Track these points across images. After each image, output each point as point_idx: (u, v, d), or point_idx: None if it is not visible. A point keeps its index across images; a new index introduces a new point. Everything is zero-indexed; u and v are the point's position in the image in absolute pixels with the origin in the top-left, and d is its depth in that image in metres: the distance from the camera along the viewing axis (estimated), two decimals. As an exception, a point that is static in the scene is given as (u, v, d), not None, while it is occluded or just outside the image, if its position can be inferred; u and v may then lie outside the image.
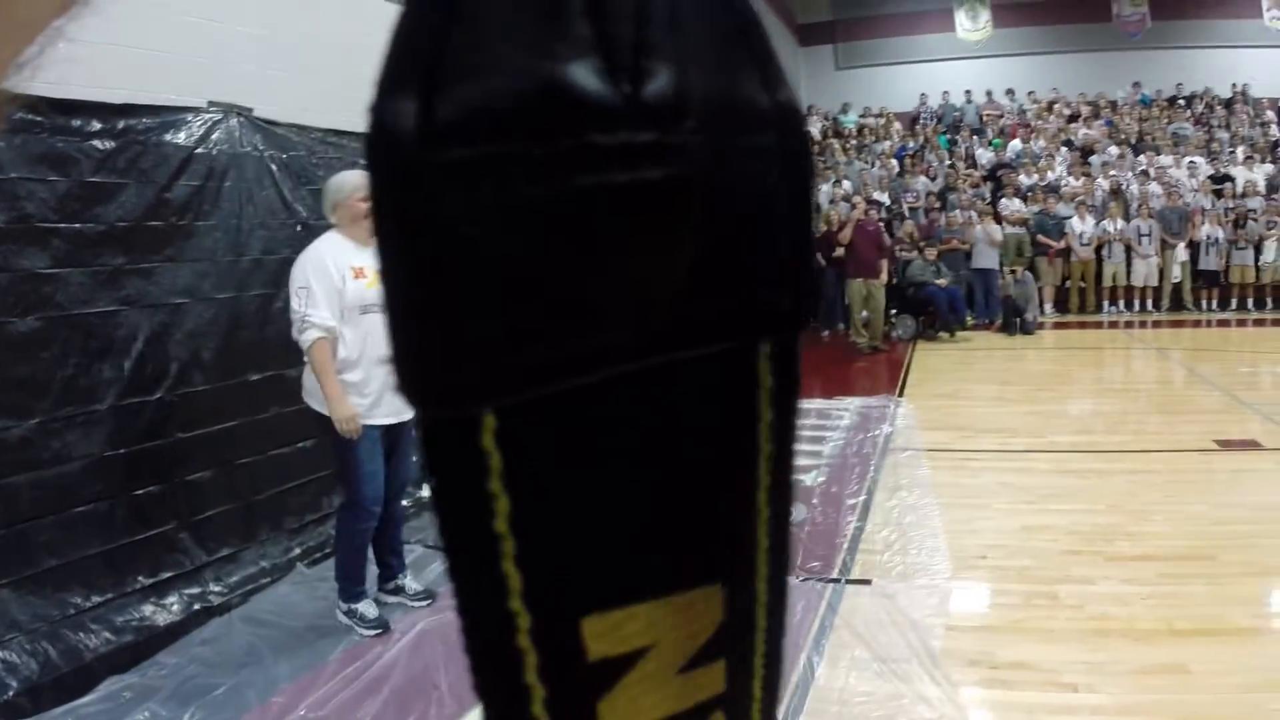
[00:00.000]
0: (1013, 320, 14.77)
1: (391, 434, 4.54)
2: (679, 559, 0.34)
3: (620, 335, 0.29)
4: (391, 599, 4.83)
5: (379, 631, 4.53)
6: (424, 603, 4.82)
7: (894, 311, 14.85)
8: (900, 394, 10.07)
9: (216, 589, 4.87)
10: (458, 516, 0.31)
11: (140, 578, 4.60)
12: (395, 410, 4.39)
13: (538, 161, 0.27)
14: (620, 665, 0.34)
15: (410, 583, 4.90)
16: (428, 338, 0.28)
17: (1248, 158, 18.41)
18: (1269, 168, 18.09)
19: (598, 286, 0.29)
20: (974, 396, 10.15)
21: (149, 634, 4.47)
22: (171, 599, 4.68)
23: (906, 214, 17.76)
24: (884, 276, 13.81)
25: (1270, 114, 20.58)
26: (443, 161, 0.26)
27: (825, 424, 8.56)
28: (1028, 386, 10.87)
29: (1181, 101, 21.80)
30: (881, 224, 14.81)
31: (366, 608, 4.61)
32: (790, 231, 0.32)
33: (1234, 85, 21.66)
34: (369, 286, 4.27)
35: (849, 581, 4.93)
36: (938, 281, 14.42)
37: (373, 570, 4.83)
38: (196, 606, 4.75)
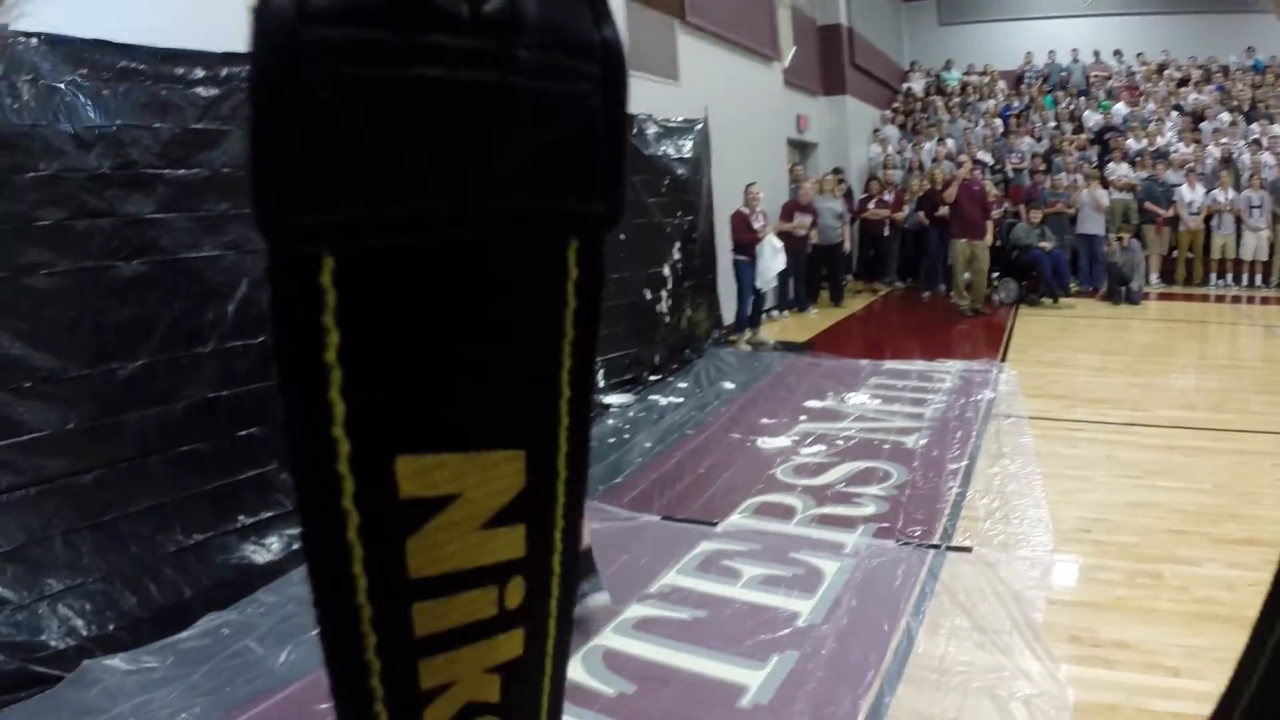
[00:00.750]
0: (1117, 289, 14.51)
1: None
2: (486, 419, 0.38)
3: (439, 208, 0.34)
4: None
5: None
6: None
7: (996, 275, 14.63)
8: (1003, 359, 9.97)
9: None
10: (293, 347, 0.35)
11: (241, 517, 4.73)
12: None
13: (391, 50, 0.32)
14: (428, 507, 0.38)
15: None
16: (282, 181, 0.32)
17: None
18: None
19: (426, 162, 0.34)
20: (1077, 365, 10.00)
21: (248, 572, 4.61)
22: (271, 538, 4.82)
23: (1011, 175, 17.50)
24: (989, 238, 13.57)
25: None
26: (313, 38, 0.31)
27: (927, 386, 8.53)
28: (1131, 357, 10.68)
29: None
30: (986, 183, 14.55)
31: None
32: (607, 147, 0.37)
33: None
34: None
35: (950, 548, 4.93)
36: (1042, 245, 14.19)
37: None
38: (296, 546, 4.86)
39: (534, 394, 0.40)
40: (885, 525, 5.25)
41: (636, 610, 4.34)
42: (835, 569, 4.71)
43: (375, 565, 0.38)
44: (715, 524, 5.36)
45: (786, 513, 5.50)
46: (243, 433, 4.76)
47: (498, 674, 0.45)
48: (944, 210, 13.98)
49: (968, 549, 4.91)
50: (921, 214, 15.42)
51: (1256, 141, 17.61)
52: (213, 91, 4.61)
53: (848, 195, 15.81)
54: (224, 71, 4.66)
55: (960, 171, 13.79)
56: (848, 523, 5.31)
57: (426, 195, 0.34)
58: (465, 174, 0.34)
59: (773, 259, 11.01)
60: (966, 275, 13.46)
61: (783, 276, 11.72)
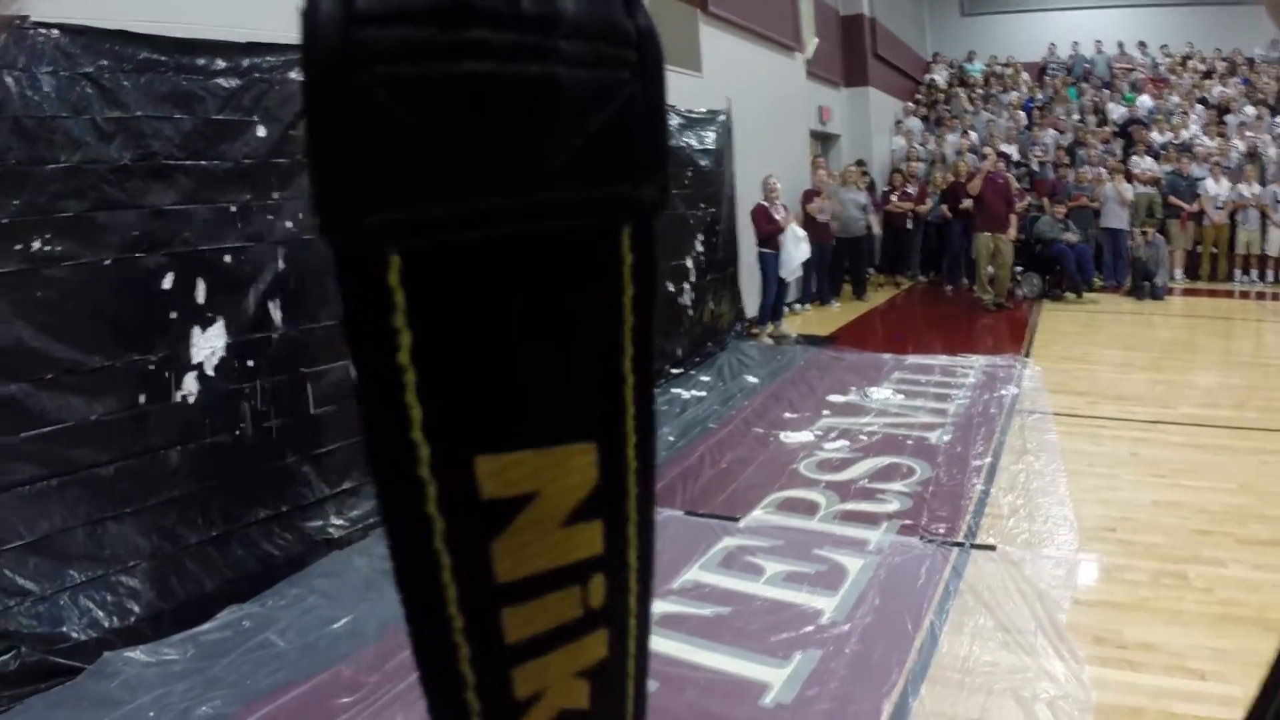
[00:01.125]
0: (1141, 284, 14.39)
1: None
2: (556, 412, 0.38)
3: (499, 202, 0.34)
4: None
5: None
6: None
7: (1020, 269, 14.53)
8: (1027, 354, 9.91)
9: (337, 523, 4.99)
10: (368, 351, 0.35)
11: (262, 510, 4.73)
12: None
13: (439, 47, 0.32)
14: (510, 508, 0.38)
15: None
16: (343, 183, 0.33)
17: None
18: None
19: (481, 156, 0.34)
20: (1101, 361, 9.93)
21: (269, 565, 4.61)
22: (292, 531, 4.82)
23: (1035, 168, 17.40)
24: (1012, 231, 13.48)
25: None
26: (364, 39, 0.32)
27: (950, 381, 8.49)
28: (1155, 354, 10.61)
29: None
30: (1010, 176, 14.47)
31: None
32: (648, 132, 0.37)
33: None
34: None
35: (974, 546, 4.90)
36: (1066, 239, 14.10)
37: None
38: (317, 539, 4.87)
39: (600, 384, 0.39)
40: (909, 522, 5.22)
41: (659, 606, 4.30)
42: (859, 566, 4.68)
43: (464, 572, 0.38)
44: (738, 519, 5.34)
45: (809, 509, 5.48)
46: (263, 424, 4.76)
47: (586, 679, 0.44)
48: (967, 203, 13.87)
49: (992, 547, 4.88)
50: (945, 207, 15.32)
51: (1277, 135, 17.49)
52: (234, 82, 4.61)
53: (870, 187, 15.74)
54: (245, 62, 4.66)
55: (984, 164, 13.71)
56: (871, 519, 5.28)
57: (484, 189, 0.34)
58: (519, 166, 0.34)
59: (796, 248, 10.97)
60: (990, 269, 13.38)
61: (805, 268, 11.69)
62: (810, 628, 4.12)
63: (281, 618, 4.19)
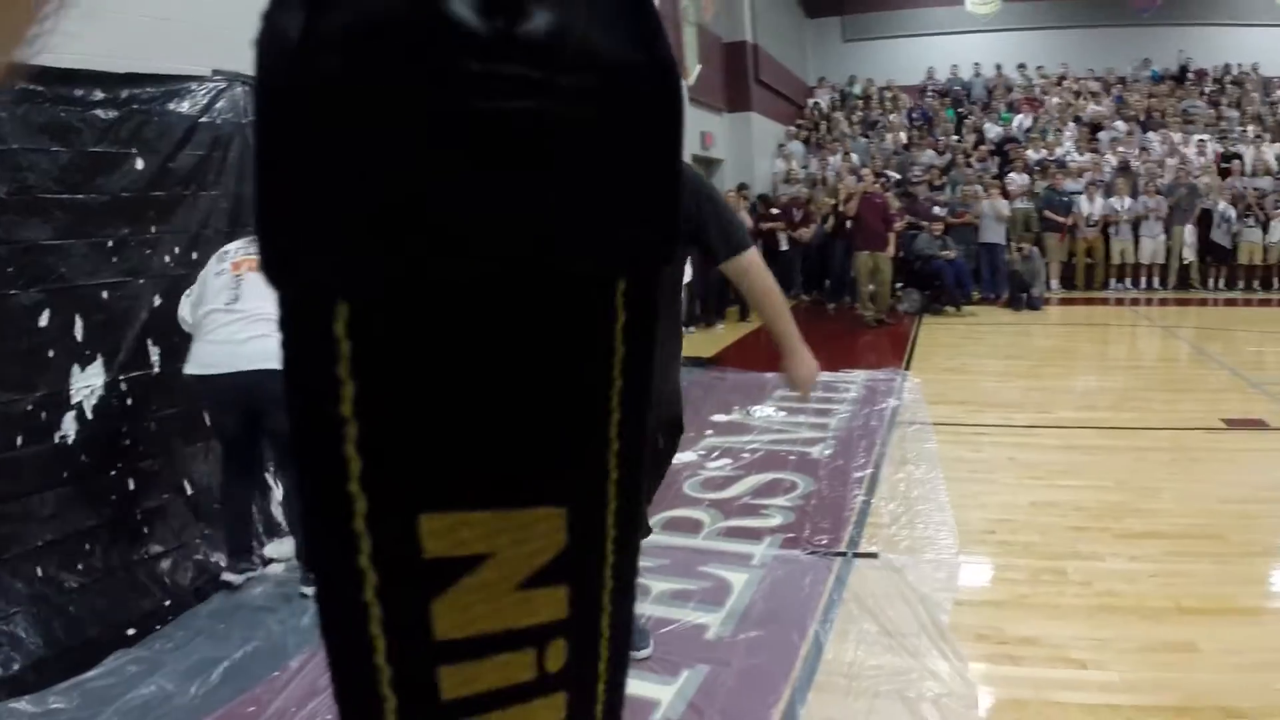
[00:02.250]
0: (1019, 296, 14.77)
1: None
2: (521, 474, 0.36)
3: (465, 247, 0.31)
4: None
5: None
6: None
7: (900, 285, 14.85)
8: (907, 367, 10.06)
9: (222, 563, 4.87)
10: (306, 398, 0.33)
11: (145, 551, 4.60)
12: None
13: (403, 78, 0.29)
14: (457, 567, 0.36)
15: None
16: (290, 222, 0.30)
17: (1257, 136, 18.33)
18: (1278, 147, 18.02)
19: (447, 198, 0.31)
20: (980, 371, 10.16)
21: (155, 608, 4.46)
22: (178, 572, 4.69)
23: (912, 188, 17.74)
24: (891, 249, 13.79)
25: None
26: (317, 69, 0.29)
27: (832, 397, 8.57)
28: (1033, 362, 10.87)
29: (1191, 78, 21.74)
30: (888, 196, 14.79)
31: None
32: (658, 175, 0.35)
33: (1240, 64, 21.64)
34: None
35: (856, 555, 4.93)
36: (944, 255, 14.41)
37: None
38: (202, 580, 4.74)
39: (578, 447, 0.37)
40: (792, 535, 5.23)
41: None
42: (743, 581, 4.68)
43: (396, 626, 0.36)
44: (623, 540, 5.30)
45: (694, 527, 5.47)
46: (141, 463, 4.65)
47: None
48: (847, 223, 14.12)
49: (874, 555, 4.91)
50: (828, 226, 15.55)
51: (1150, 149, 18.09)
52: (112, 114, 4.50)
53: (753, 210, 15.90)
54: (124, 93, 4.56)
55: (861, 185, 14.00)
56: (755, 534, 5.29)
57: (448, 235, 0.31)
58: (491, 210, 0.31)
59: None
60: (870, 286, 13.58)
61: (689, 292, 11.75)
62: (697, 643, 4.11)
63: (168, 661, 4.05)
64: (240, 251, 4.59)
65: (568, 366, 0.35)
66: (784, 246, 15.78)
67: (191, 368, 4.45)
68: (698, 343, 12.29)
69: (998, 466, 6.40)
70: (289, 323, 0.32)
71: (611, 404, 0.36)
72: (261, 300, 4.40)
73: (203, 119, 4.99)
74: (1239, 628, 4.00)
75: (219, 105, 5.10)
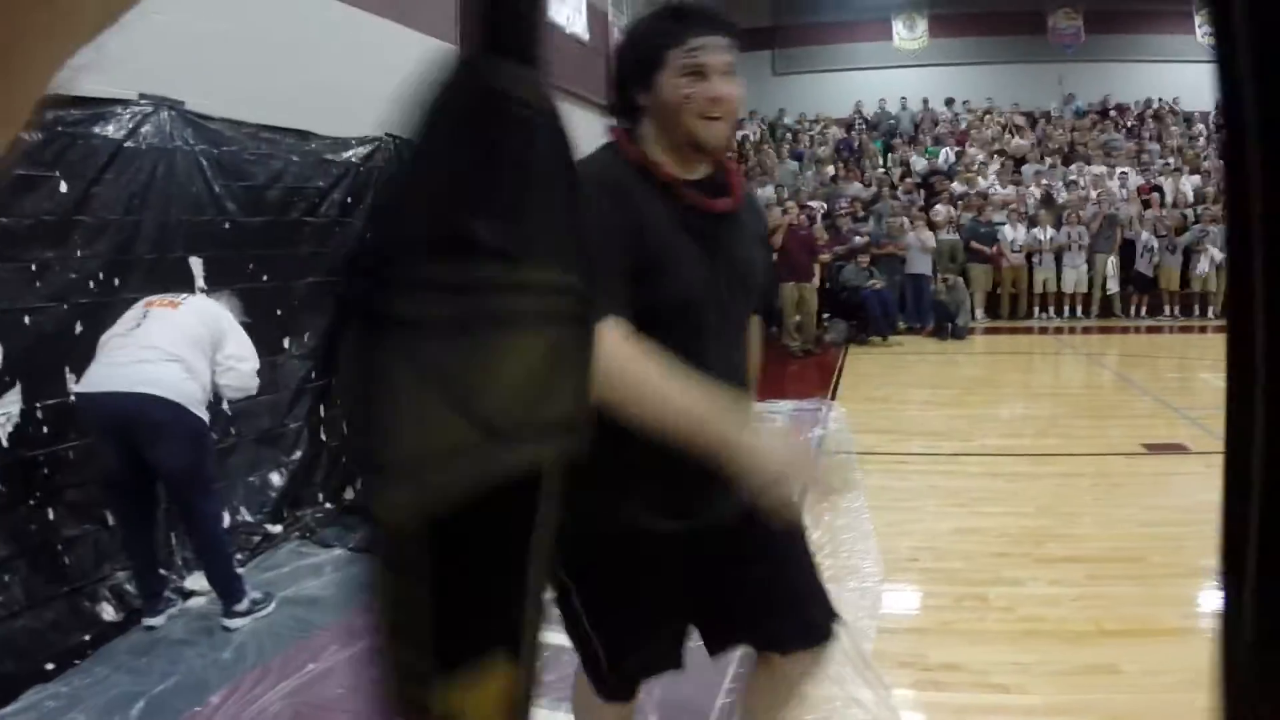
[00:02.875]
0: (944, 325, 14.89)
1: None
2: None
3: (496, 435, 0.42)
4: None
5: (274, 603, 4.66)
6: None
7: (827, 316, 14.95)
8: (833, 397, 10.06)
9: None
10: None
11: (65, 584, 4.45)
12: None
13: (448, 285, 0.40)
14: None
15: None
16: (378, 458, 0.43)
17: (1176, 169, 18.73)
18: (1196, 179, 18.42)
19: (478, 391, 0.41)
20: (905, 400, 10.20)
21: (74, 642, 4.31)
22: (97, 605, 4.54)
23: (838, 219, 17.88)
24: (815, 280, 13.94)
25: (1200, 126, 21.00)
26: (383, 279, 0.39)
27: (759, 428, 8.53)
28: (958, 390, 10.94)
29: (1113, 113, 22.18)
30: (813, 228, 14.99)
31: (254, 592, 4.65)
32: (576, 382, 0.45)
33: (1161, 98, 22.15)
34: None
35: (780, 584, 4.90)
36: (870, 285, 14.51)
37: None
38: (122, 615, 4.60)
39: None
40: (717, 563, 5.19)
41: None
42: (666, 609, 4.62)
43: None
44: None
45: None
46: (64, 494, 4.50)
47: None
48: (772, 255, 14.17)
49: (798, 583, 4.88)
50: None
51: (1074, 182, 18.41)
52: (35, 137, 4.35)
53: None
54: (48, 115, 4.42)
55: (786, 217, 14.07)
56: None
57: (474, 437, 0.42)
58: (511, 400, 0.42)
59: None
60: (796, 317, 13.64)
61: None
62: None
63: (87, 696, 3.93)
64: (161, 298, 4.59)
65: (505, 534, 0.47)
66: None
67: (78, 387, 4.40)
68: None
69: (922, 494, 6.40)
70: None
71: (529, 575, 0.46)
72: (161, 334, 4.35)
73: (128, 143, 4.87)
74: (1161, 648, 4.00)
75: (145, 130, 4.98)
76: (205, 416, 4.45)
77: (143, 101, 4.99)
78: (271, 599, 4.71)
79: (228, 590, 4.57)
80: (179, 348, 4.36)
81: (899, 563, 5.16)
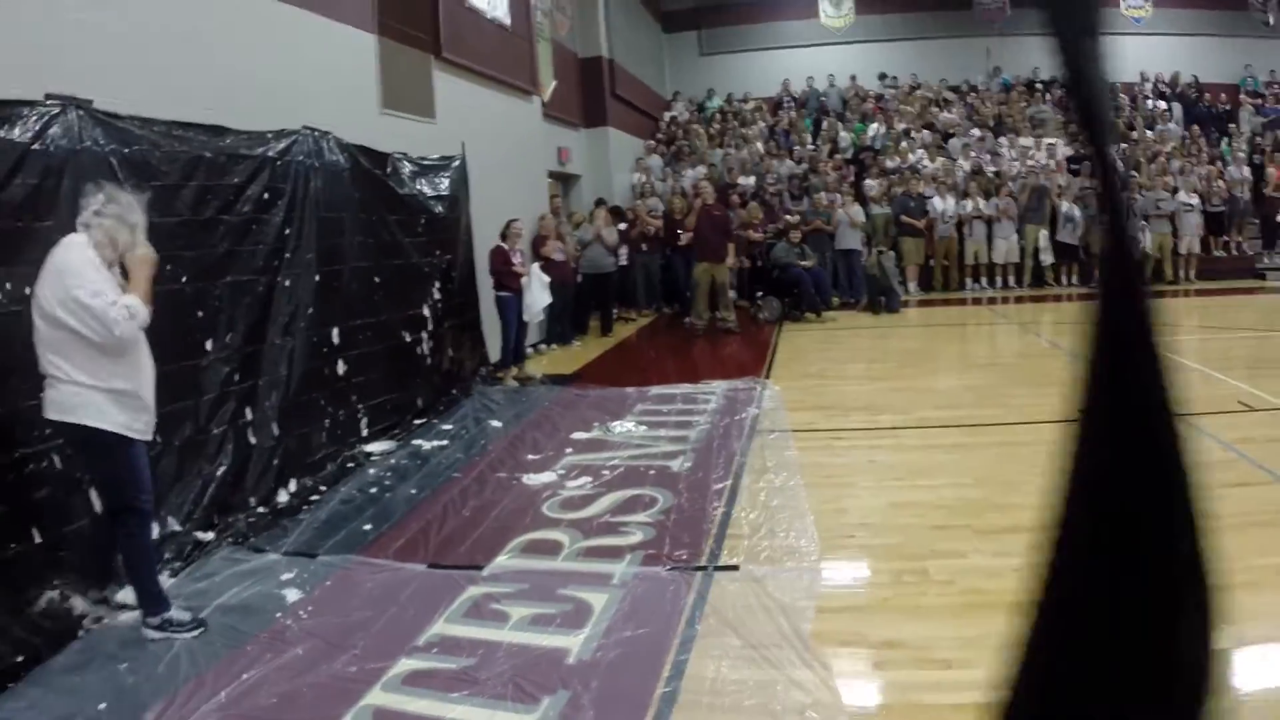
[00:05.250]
0: (877, 299, 14.90)
1: None
2: None
3: None
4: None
5: (200, 630, 4.44)
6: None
7: (760, 294, 14.92)
8: (767, 376, 10.01)
9: (76, 611, 4.57)
10: None
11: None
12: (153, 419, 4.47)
13: None
14: None
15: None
16: None
17: (1102, 138, 18.87)
18: (1123, 148, 18.57)
19: None
20: (841, 375, 10.17)
21: (5, 665, 4.11)
22: (29, 625, 4.34)
23: (769, 198, 17.84)
24: (730, 260, 13.99)
25: (1124, 98, 21.22)
26: None
27: (692, 409, 8.47)
28: (893, 364, 10.92)
29: (1040, 86, 22.31)
30: (727, 209, 15.05)
31: (178, 613, 4.51)
32: None
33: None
34: None
35: (717, 568, 4.80)
36: (802, 263, 14.49)
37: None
38: (59, 629, 4.43)
39: None
40: (652, 552, 5.08)
41: (405, 664, 4.06)
42: (604, 601, 4.52)
43: None
44: (481, 568, 5.10)
45: (553, 549, 5.29)
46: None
47: None
48: (687, 237, 14.38)
49: (735, 567, 4.79)
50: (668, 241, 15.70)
51: (999, 153, 18.53)
52: None
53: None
54: None
55: (698, 200, 14.10)
56: (615, 553, 5.13)
57: None
58: None
59: (540, 292, 10.90)
60: (731, 295, 13.84)
61: (549, 309, 11.62)
62: (557, 669, 3.93)
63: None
64: None
65: None
66: (623, 261, 15.69)
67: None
68: (560, 360, 12.15)
69: (858, 470, 6.34)
70: None
71: None
72: (38, 342, 4.16)
73: (35, 145, 4.65)
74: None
75: (52, 131, 4.76)
76: (108, 422, 4.19)
77: (50, 102, 4.78)
78: (196, 624, 4.49)
79: (143, 601, 4.46)
80: (42, 349, 4.14)
81: (836, 540, 5.08)
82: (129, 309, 4.11)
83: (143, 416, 4.34)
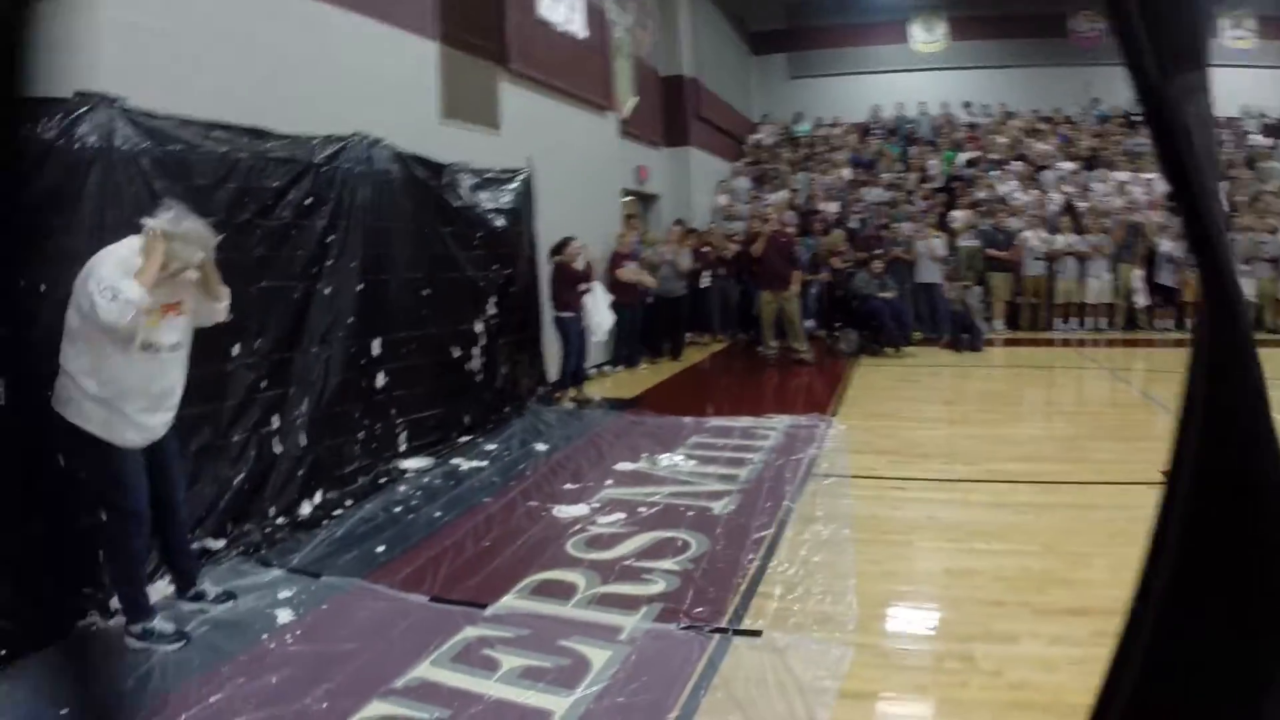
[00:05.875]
0: (960, 336, 14.26)
1: (148, 450, 4.37)
2: None
3: None
4: (192, 605, 4.71)
5: (182, 643, 4.30)
6: (225, 604, 4.74)
7: (838, 325, 14.47)
8: (834, 413, 9.45)
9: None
10: None
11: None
12: (152, 435, 4.36)
13: None
14: None
15: (209, 586, 4.83)
16: None
17: (1204, 176, 18.02)
18: (1226, 185, 17.72)
19: None
20: (913, 417, 9.53)
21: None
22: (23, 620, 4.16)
23: (857, 225, 17.35)
24: (796, 288, 13.56)
25: (1226, 134, 20.32)
26: None
27: (749, 445, 7.99)
28: (970, 407, 10.31)
29: (1138, 118, 21.49)
30: (795, 236, 14.68)
31: (161, 624, 4.39)
32: None
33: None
34: (151, 325, 4.18)
35: (737, 632, 4.29)
36: (883, 295, 13.94)
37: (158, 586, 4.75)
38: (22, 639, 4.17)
39: None
40: (671, 606, 4.60)
41: (375, 708, 3.70)
42: (604, 659, 4.06)
43: None
44: (485, 606, 4.68)
45: (567, 592, 4.85)
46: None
47: None
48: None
49: (757, 633, 4.26)
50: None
51: (1092, 188, 17.82)
52: None
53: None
54: None
55: (766, 226, 13.70)
56: (630, 603, 4.66)
57: None
58: None
59: (605, 312, 10.54)
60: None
61: (615, 330, 11.25)
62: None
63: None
64: None
65: None
66: (705, 284, 15.27)
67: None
68: (625, 383, 11.73)
69: (915, 527, 5.78)
70: None
71: None
72: None
73: (59, 143, 4.49)
74: None
75: (80, 130, 4.59)
76: (91, 425, 4.09)
77: (78, 99, 4.60)
78: (178, 637, 4.33)
79: (125, 608, 4.36)
80: (65, 348, 4.09)
81: (877, 610, 4.54)
82: (112, 289, 3.92)
83: (121, 428, 4.18)
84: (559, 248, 10.17)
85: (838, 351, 14.06)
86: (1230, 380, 0.75)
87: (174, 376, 4.41)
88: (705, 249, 15.49)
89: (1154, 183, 17.91)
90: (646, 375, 12.54)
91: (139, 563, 4.42)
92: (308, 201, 6.33)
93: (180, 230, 4.17)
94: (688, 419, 9.08)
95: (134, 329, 4.04)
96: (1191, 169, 0.70)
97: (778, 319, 13.44)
